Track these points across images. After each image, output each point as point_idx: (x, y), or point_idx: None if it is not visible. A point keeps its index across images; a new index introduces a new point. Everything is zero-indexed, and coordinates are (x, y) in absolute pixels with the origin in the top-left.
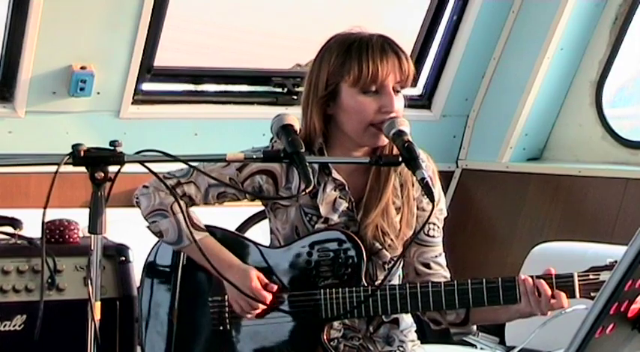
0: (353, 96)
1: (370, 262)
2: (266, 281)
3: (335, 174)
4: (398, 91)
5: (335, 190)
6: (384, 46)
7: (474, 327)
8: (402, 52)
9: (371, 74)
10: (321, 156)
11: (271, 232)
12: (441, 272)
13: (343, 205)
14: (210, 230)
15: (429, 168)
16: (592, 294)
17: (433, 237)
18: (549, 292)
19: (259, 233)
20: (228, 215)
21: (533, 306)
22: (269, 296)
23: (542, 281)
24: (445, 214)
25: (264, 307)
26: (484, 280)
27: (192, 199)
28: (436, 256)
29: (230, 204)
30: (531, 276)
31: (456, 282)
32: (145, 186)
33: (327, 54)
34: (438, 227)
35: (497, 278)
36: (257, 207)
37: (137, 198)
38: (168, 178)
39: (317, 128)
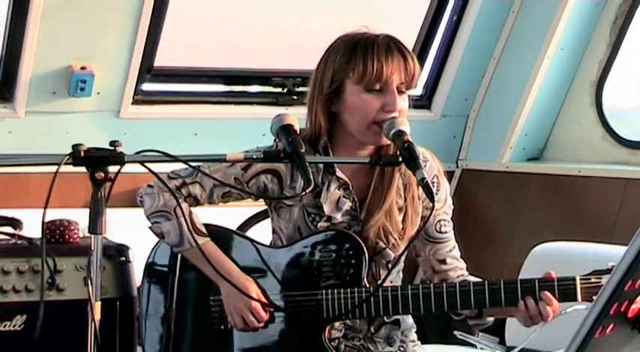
0: (357, 94)
1: (373, 262)
2: (265, 301)
3: (339, 173)
4: (402, 92)
5: (339, 189)
6: (390, 45)
7: (491, 318)
8: (409, 53)
9: (375, 72)
10: (323, 156)
11: (273, 232)
12: (457, 265)
13: (347, 204)
14: (213, 229)
15: (434, 167)
16: (594, 298)
17: (445, 232)
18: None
19: (260, 232)
20: (230, 214)
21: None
22: (265, 316)
23: (544, 302)
24: (452, 207)
25: (260, 325)
26: (486, 282)
27: (197, 199)
28: (450, 250)
29: (232, 203)
30: (533, 282)
31: (457, 284)
32: (149, 186)
33: (333, 52)
34: (449, 222)
35: (500, 280)
36: (258, 206)
37: (141, 197)
38: (173, 178)
39: (322, 126)
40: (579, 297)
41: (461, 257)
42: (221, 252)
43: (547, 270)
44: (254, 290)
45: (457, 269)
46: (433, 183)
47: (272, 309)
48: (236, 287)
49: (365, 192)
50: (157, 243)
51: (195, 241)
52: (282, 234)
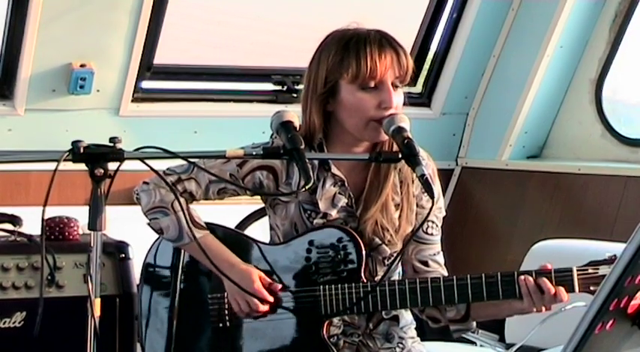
0: (352, 93)
1: (370, 258)
2: (269, 280)
3: (334, 170)
4: (397, 87)
5: (334, 186)
6: (382, 41)
7: (474, 323)
8: (400, 47)
9: (369, 70)
10: (320, 152)
11: (271, 228)
12: (438, 271)
13: (342, 201)
14: (210, 227)
15: (429, 166)
16: (591, 288)
17: (432, 234)
18: (552, 290)
19: (259, 230)
20: (228, 212)
21: (537, 304)
22: (271, 298)
23: (545, 279)
24: (444, 213)
25: (265, 309)
26: (483, 275)
27: (192, 195)
28: (434, 254)
29: (230, 201)
30: (530, 273)
31: (455, 277)
32: (145, 183)
33: (325, 51)
34: (437, 225)
35: (497, 273)
36: (257, 204)
37: (137, 194)
38: (169, 174)
39: (317, 125)
40: (576, 288)
41: (459, 254)
42: (221, 244)
43: (543, 264)
44: (256, 275)
45: (438, 274)
46: None
47: (278, 287)
48: (235, 283)
49: (361, 188)
50: (155, 242)
51: (194, 234)
52: (278, 230)
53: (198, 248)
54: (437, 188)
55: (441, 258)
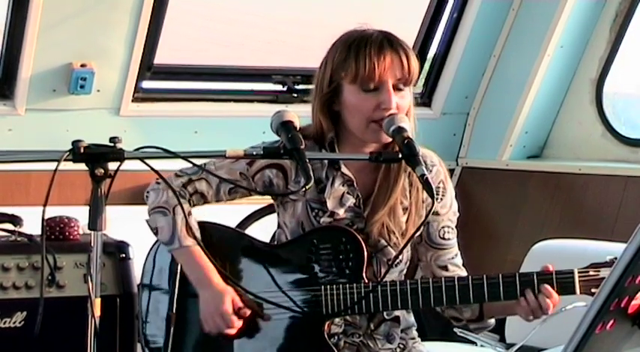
0: (353, 94)
1: (375, 259)
2: (240, 305)
3: (344, 170)
4: (400, 89)
5: (343, 185)
6: (383, 42)
7: (492, 320)
8: (404, 49)
9: (368, 71)
10: (322, 153)
11: (278, 226)
12: (458, 273)
13: (350, 201)
14: (213, 226)
15: (441, 172)
16: (592, 290)
17: (448, 239)
18: (536, 303)
19: (259, 229)
20: (229, 212)
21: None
22: (237, 324)
23: (530, 291)
24: (458, 214)
25: (231, 332)
26: (485, 276)
27: (204, 196)
28: (452, 257)
29: (230, 201)
30: (532, 275)
31: (456, 278)
32: (157, 182)
33: (332, 51)
34: (452, 229)
35: (498, 274)
36: (257, 204)
37: (147, 192)
38: (180, 176)
39: (323, 124)
40: (577, 290)
41: (461, 254)
42: (207, 259)
43: (545, 265)
44: (229, 298)
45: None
46: (438, 188)
47: (247, 313)
48: (231, 282)
49: (370, 189)
50: (156, 241)
51: (180, 242)
52: (286, 228)
53: (183, 256)
54: (450, 191)
55: (459, 260)
